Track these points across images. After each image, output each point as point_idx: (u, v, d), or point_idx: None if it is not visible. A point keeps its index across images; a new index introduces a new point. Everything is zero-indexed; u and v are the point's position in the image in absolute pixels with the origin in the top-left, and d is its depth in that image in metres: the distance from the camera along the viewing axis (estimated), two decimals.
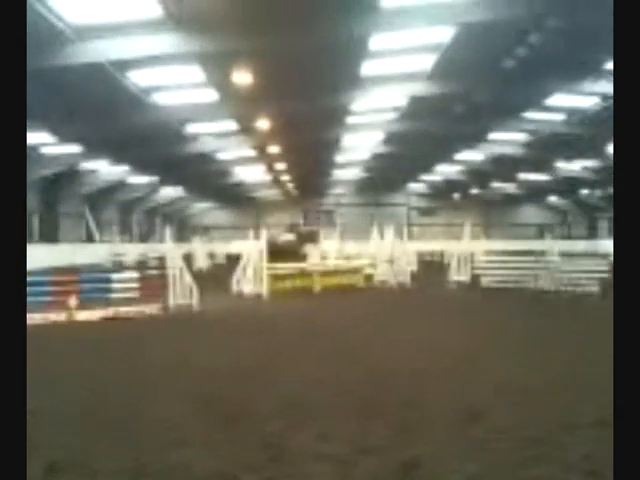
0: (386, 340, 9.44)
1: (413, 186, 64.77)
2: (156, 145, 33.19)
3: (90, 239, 42.56)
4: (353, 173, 54.90)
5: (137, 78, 21.58)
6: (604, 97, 25.78)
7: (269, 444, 4.57)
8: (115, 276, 14.58)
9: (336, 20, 17.07)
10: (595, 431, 4.76)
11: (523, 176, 51.49)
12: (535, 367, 7.22)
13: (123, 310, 12.55)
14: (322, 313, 13.30)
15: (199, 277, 16.46)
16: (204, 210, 69.81)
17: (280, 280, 17.65)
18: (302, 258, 20.32)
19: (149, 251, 37.96)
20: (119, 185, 45.81)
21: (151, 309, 12.91)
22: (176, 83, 22.88)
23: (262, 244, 17.06)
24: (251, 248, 17.23)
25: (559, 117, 31.02)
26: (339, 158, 44.89)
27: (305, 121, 30.32)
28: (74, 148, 31.45)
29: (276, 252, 19.22)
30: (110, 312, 12.39)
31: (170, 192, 54.66)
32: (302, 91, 24.37)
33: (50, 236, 37.42)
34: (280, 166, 44.85)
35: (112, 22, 16.53)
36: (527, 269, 17.62)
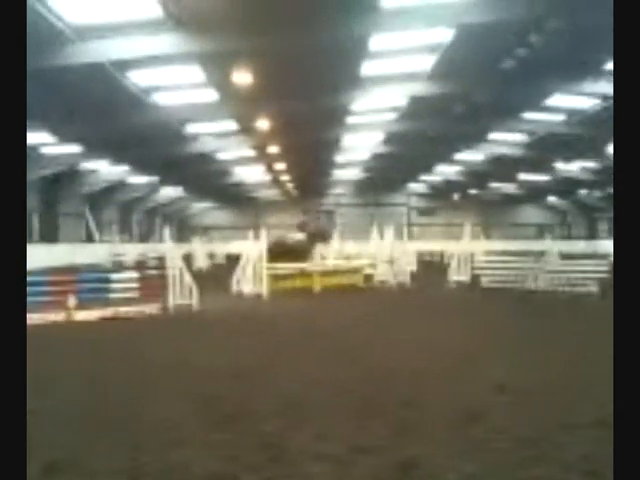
0: (385, 340, 9.44)
1: (413, 186, 64.82)
2: (156, 145, 33.21)
3: (90, 239, 42.56)
4: (353, 173, 54.93)
5: (137, 78, 21.58)
6: (604, 98, 25.79)
7: (268, 444, 4.56)
8: (114, 276, 14.58)
9: (336, 20, 17.08)
10: (594, 431, 4.76)
11: (523, 176, 51.52)
12: (533, 367, 7.22)
13: (122, 310, 12.54)
14: (322, 313, 13.30)
15: (199, 277, 16.45)
16: (204, 210, 69.84)
17: (280, 280, 17.66)
18: (312, 259, 20.23)
19: (149, 251, 37.96)
20: (119, 185, 45.84)
21: (150, 309, 12.91)
22: (176, 83, 22.88)
23: (262, 244, 17.05)
24: (251, 248, 17.22)
25: (558, 118, 31.04)
26: (339, 158, 44.91)
27: (305, 121, 30.33)
28: (74, 148, 31.46)
29: (285, 253, 19.08)
30: (109, 312, 12.38)
31: (170, 192, 54.68)
32: (302, 91, 24.38)
33: (50, 236, 37.43)
34: (280, 166, 44.86)
35: (112, 22, 16.53)
36: (526, 269, 17.62)
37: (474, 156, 44.17)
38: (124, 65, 19.57)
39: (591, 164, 43.17)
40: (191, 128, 30.89)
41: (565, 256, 21.00)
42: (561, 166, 44.78)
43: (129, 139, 30.70)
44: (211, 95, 24.44)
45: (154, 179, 46.55)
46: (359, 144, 40.30)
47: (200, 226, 64.95)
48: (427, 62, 22.31)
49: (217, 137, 34.50)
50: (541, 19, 18.00)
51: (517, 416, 5.22)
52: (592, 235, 59.62)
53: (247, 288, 16.68)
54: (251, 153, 39.43)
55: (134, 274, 15.01)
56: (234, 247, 36.72)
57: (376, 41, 19.23)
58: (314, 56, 20.17)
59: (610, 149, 34.99)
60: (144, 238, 53.52)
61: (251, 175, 51.67)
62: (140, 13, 16.09)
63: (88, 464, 4.24)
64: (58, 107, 23.56)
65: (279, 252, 18.44)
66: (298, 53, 19.96)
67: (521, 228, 67.02)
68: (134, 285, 13.57)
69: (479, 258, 20.19)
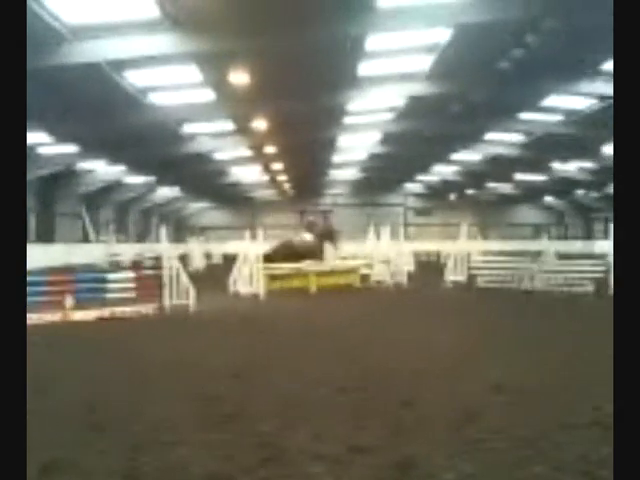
0: (381, 340, 9.43)
1: (410, 186, 64.88)
2: (153, 145, 33.18)
3: (86, 239, 42.48)
4: (350, 173, 54.97)
5: (134, 78, 21.57)
6: (600, 98, 25.86)
7: (266, 443, 4.56)
8: (111, 276, 14.54)
9: (333, 20, 17.09)
10: (591, 431, 4.77)
11: (519, 176, 51.63)
12: (529, 367, 7.23)
13: (119, 310, 12.52)
14: (319, 313, 13.29)
15: (196, 277, 16.44)
16: (201, 210, 69.79)
17: (277, 280, 17.66)
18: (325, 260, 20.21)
19: (145, 251, 37.91)
20: (115, 185, 45.79)
21: (147, 309, 12.88)
22: (173, 83, 22.89)
23: (260, 244, 17.05)
24: (249, 248, 17.20)
25: (555, 118, 31.12)
26: (336, 158, 44.94)
27: (302, 121, 30.34)
28: (71, 148, 31.44)
29: (294, 255, 19.08)
30: (106, 312, 12.35)
31: (167, 192, 54.65)
32: (299, 91, 24.39)
33: (46, 236, 37.35)
34: (277, 166, 44.87)
35: (109, 22, 16.53)
36: (523, 269, 17.65)
37: (471, 156, 44.25)
38: (121, 65, 19.56)
39: (588, 164, 43.28)
40: (188, 128, 30.88)
41: (562, 256, 21.05)
42: (558, 166, 44.90)
43: (126, 139, 30.68)
44: (208, 95, 24.44)
45: (151, 179, 46.51)
46: (356, 144, 40.34)
47: (197, 226, 64.91)
48: (424, 62, 22.35)
49: (214, 137, 34.49)
50: (537, 19, 18.05)
51: (514, 416, 5.22)
52: (589, 235, 59.76)
53: (244, 288, 16.67)
54: (248, 153, 39.44)
55: (131, 274, 14.98)
56: (231, 247, 36.74)
57: (373, 41, 19.26)
58: (311, 56, 20.19)
59: (607, 149, 35.09)
60: (140, 238, 53.45)
61: (248, 175, 51.66)
62: (137, 13, 16.09)
63: (80, 464, 4.23)
64: (55, 107, 23.53)
65: (287, 254, 18.44)
66: (295, 53, 19.98)
67: (518, 228, 67.12)
68: (131, 285, 13.54)
69: (476, 258, 20.23)
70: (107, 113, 24.91)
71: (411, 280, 20.27)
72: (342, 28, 17.57)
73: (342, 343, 9.14)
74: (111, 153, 34.35)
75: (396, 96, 27.41)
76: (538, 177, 51.02)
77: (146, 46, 17.46)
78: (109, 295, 13.20)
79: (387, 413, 5.34)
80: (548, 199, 65.26)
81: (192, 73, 21.29)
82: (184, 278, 13.73)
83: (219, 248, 41.43)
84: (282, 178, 52.88)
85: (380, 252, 20.57)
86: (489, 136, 36.90)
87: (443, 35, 19.29)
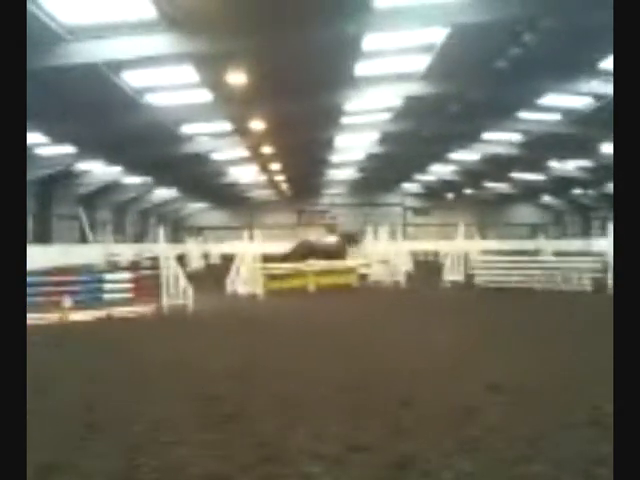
0: (380, 340, 9.44)
1: (407, 186, 64.90)
2: (150, 146, 33.13)
3: (84, 240, 42.43)
4: (348, 173, 54.95)
5: (131, 79, 21.54)
6: (597, 97, 25.90)
7: (264, 443, 4.56)
8: (109, 276, 14.55)
9: (330, 20, 17.08)
10: (589, 429, 4.78)
11: (517, 175, 51.66)
12: (527, 365, 7.23)
13: (117, 310, 12.52)
14: (317, 314, 13.29)
15: (193, 277, 16.44)
16: (198, 210, 69.73)
17: (275, 280, 17.66)
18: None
19: (143, 252, 37.89)
20: (113, 186, 45.73)
21: (145, 309, 12.88)
22: (170, 84, 22.85)
23: (258, 244, 17.06)
24: (246, 248, 17.21)
25: (553, 117, 31.15)
26: (333, 158, 44.93)
27: (299, 121, 30.33)
28: (68, 149, 31.38)
29: (313, 254, 19.31)
30: (104, 312, 12.35)
31: (164, 193, 54.60)
32: (296, 91, 24.38)
33: (44, 237, 37.29)
34: (274, 166, 44.84)
35: (106, 22, 16.50)
36: (521, 268, 17.68)
37: (469, 156, 44.28)
38: (118, 65, 19.54)
39: (585, 163, 43.33)
40: (185, 129, 30.85)
41: (559, 254, 21.08)
42: (555, 165, 44.95)
43: (123, 140, 30.64)
44: (205, 95, 24.42)
45: (148, 180, 46.46)
46: (353, 144, 40.33)
47: (195, 226, 64.87)
48: (421, 62, 22.35)
49: (211, 137, 34.47)
50: (534, 19, 18.06)
51: (510, 414, 5.23)
52: (586, 234, 59.80)
53: (242, 288, 16.67)
54: (245, 153, 39.40)
55: (128, 275, 14.97)
56: (229, 247, 36.75)
57: (370, 41, 19.25)
58: (308, 56, 20.18)
59: (604, 148, 35.14)
60: (138, 239, 53.40)
61: (245, 175, 51.63)
62: (134, 13, 16.06)
63: (83, 465, 4.23)
64: (52, 107, 23.47)
65: (306, 254, 18.64)
66: (292, 53, 19.96)
67: (516, 227, 67.15)
68: (129, 286, 13.54)
69: (474, 257, 20.26)
70: (104, 114, 24.86)
71: (409, 280, 20.28)
72: (339, 28, 17.55)
73: (340, 343, 9.14)
74: (108, 154, 34.30)
75: (393, 96, 27.42)
76: (536, 176, 51.07)
77: (143, 46, 17.43)
78: (107, 296, 13.20)
79: (386, 412, 5.35)
80: (546, 198, 65.32)
81: (189, 73, 21.27)
82: (182, 278, 13.73)
83: (217, 248, 41.43)
84: (280, 178, 52.85)
85: (378, 252, 20.59)
86: (486, 135, 36.92)
87: (440, 35, 19.30)
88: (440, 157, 45.82)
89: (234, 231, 46.26)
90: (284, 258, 17.15)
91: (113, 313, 12.38)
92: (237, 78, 19.84)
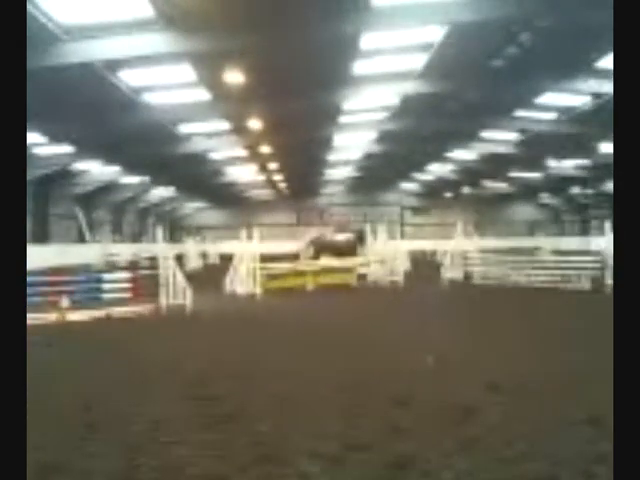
0: (378, 339, 9.44)
1: (406, 185, 64.89)
2: (148, 145, 33.08)
3: (82, 240, 42.37)
4: (346, 172, 54.93)
5: (128, 78, 21.49)
6: (595, 95, 25.92)
7: (262, 442, 4.55)
8: (107, 276, 14.54)
9: (327, 19, 17.06)
10: (588, 427, 4.78)
11: (515, 174, 51.69)
12: (525, 364, 7.24)
13: (115, 310, 12.50)
14: (315, 313, 13.30)
15: (192, 277, 16.43)
16: (196, 210, 69.70)
17: (273, 280, 17.66)
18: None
19: (141, 251, 37.83)
20: (111, 185, 45.67)
21: (143, 309, 12.87)
22: (168, 83, 22.81)
23: (256, 244, 17.05)
24: (245, 248, 17.20)
25: (550, 116, 31.16)
26: (331, 157, 44.90)
27: (297, 120, 30.31)
28: (65, 148, 31.33)
29: (327, 250, 19.49)
30: (102, 312, 12.34)
31: (162, 192, 54.55)
32: (294, 90, 24.36)
33: (41, 237, 37.23)
34: (272, 166, 44.83)
35: (103, 22, 16.45)
36: (519, 266, 17.70)
37: (466, 154, 44.28)
38: (115, 65, 19.50)
39: (583, 161, 43.37)
40: (183, 128, 30.80)
41: (557, 253, 21.10)
42: (553, 164, 44.98)
43: (120, 139, 30.59)
44: (203, 95, 24.38)
45: (146, 179, 46.40)
46: (351, 143, 40.32)
47: (193, 226, 64.84)
48: (418, 61, 22.34)
49: (209, 137, 34.42)
50: (531, 18, 18.06)
51: (508, 412, 5.23)
52: (584, 232, 59.88)
53: (240, 288, 16.67)
54: (243, 153, 39.37)
55: (126, 274, 14.96)
56: (227, 247, 36.72)
57: (367, 40, 19.23)
58: (306, 55, 20.16)
59: (602, 146, 35.18)
60: (136, 238, 53.35)
61: (243, 175, 51.59)
62: (131, 12, 16.02)
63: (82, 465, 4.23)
64: (49, 107, 23.42)
65: (319, 251, 18.78)
66: (290, 52, 19.94)
67: (514, 226, 67.19)
68: (127, 285, 13.53)
69: (472, 255, 20.27)
70: (102, 113, 24.81)
71: (408, 278, 20.28)
72: (336, 27, 17.54)
73: (339, 342, 9.14)
74: (106, 153, 34.24)
75: (391, 95, 27.42)
76: (534, 175, 51.11)
77: (140, 45, 17.39)
78: (105, 295, 13.20)
79: (386, 412, 5.35)
80: (544, 196, 65.37)
81: (187, 73, 21.23)
82: (180, 278, 13.73)
83: (215, 248, 41.40)
84: (278, 178, 52.83)
85: (377, 251, 20.60)
86: (484, 134, 36.92)
87: (437, 34, 19.29)
88: (438, 156, 45.81)
89: (232, 231, 46.24)
90: (296, 255, 17.28)
91: (111, 313, 12.36)
92: (235, 77, 19.83)
